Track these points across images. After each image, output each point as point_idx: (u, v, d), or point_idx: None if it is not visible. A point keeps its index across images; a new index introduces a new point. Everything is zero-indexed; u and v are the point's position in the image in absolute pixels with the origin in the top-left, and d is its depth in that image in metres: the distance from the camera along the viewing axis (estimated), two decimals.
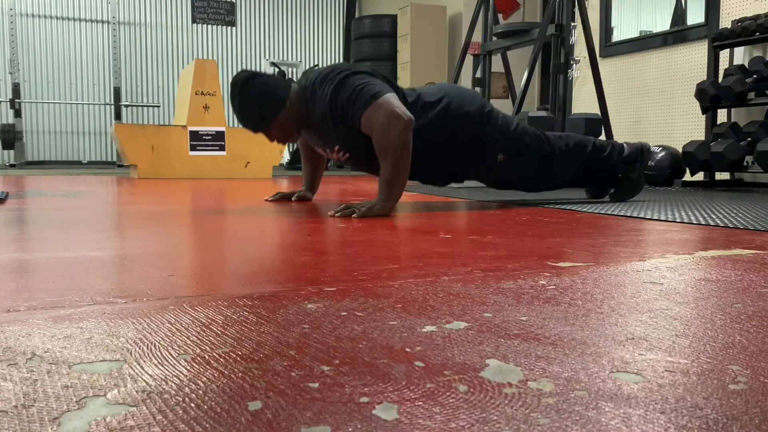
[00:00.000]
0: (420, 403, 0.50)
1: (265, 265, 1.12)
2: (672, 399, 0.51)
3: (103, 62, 8.31)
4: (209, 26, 8.76)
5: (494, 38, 5.13)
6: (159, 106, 8.51)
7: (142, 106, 8.25)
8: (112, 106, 8.07)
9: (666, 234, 1.62)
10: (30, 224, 1.73)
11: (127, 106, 8.17)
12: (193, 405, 0.49)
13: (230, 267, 1.11)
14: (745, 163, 3.76)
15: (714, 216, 2.05)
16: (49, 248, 1.29)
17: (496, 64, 5.51)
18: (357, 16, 8.59)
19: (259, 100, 2.17)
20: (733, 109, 4.11)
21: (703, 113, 4.03)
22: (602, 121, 4.24)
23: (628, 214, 2.09)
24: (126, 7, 8.39)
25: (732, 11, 4.23)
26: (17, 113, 7.48)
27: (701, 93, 3.88)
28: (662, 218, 1.97)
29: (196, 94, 4.91)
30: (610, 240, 1.49)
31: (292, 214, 2.07)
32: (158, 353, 0.62)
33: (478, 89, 5.40)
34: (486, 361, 0.60)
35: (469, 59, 5.54)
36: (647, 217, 2.02)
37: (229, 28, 8.84)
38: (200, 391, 0.52)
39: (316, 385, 0.54)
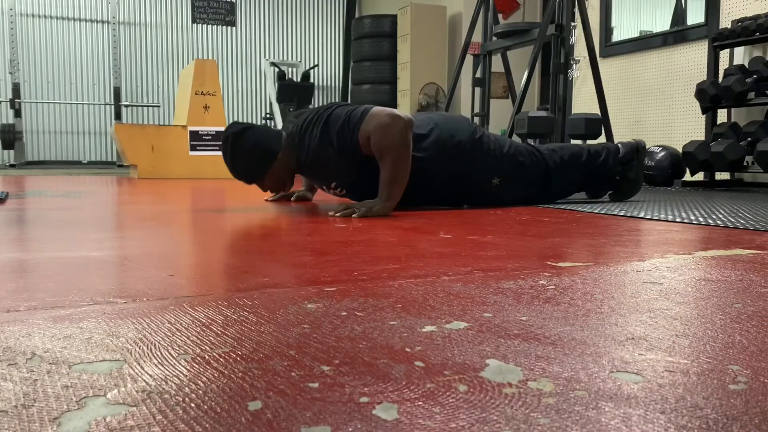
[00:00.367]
0: (420, 403, 0.50)
1: (265, 265, 1.12)
2: (672, 399, 0.51)
3: (103, 62, 8.31)
4: (209, 26, 8.75)
5: (494, 38, 5.13)
6: (159, 106, 8.50)
7: (142, 106, 8.25)
8: (112, 106, 8.08)
9: (666, 234, 1.62)
10: (30, 224, 1.73)
11: (127, 106, 8.17)
12: (193, 405, 0.49)
13: (230, 267, 1.11)
14: (745, 163, 3.76)
15: (714, 216, 2.05)
16: (49, 248, 1.29)
17: (496, 64, 5.50)
18: (357, 16, 8.59)
19: (251, 154, 2.18)
20: (733, 109, 4.11)
21: (703, 113, 4.03)
22: (602, 121, 4.24)
23: (628, 214, 2.09)
24: (126, 7, 8.39)
25: (732, 11, 4.23)
26: (17, 113, 7.48)
27: (701, 93, 3.88)
28: (662, 218, 1.97)
29: (196, 94, 4.91)
30: (610, 240, 1.49)
31: (292, 214, 2.07)
32: (158, 353, 0.62)
33: (477, 90, 5.40)
34: (486, 361, 0.60)
35: (469, 59, 5.54)
36: (647, 217, 2.02)
37: (229, 28, 8.84)
38: (200, 391, 0.52)
39: (316, 385, 0.54)
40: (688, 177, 4.19)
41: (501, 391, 0.53)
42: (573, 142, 4.06)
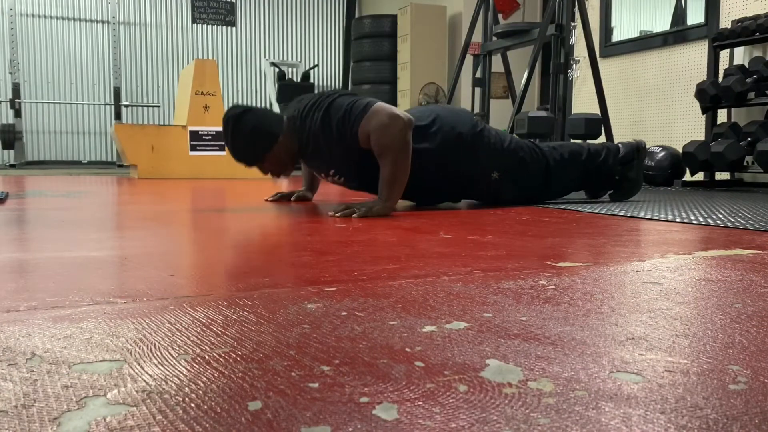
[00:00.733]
0: (420, 403, 0.50)
1: (265, 265, 1.12)
2: (672, 399, 0.51)
3: (103, 62, 8.31)
4: (209, 26, 8.75)
5: (494, 38, 5.13)
6: (159, 106, 8.50)
7: (142, 106, 8.25)
8: (112, 106, 8.08)
9: (666, 234, 1.62)
10: (30, 224, 1.73)
11: (127, 106, 8.17)
12: (193, 405, 0.49)
13: (230, 267, 1.11)
14: (745, 163, 3.76)
15: (714, 216, 2.05)
16: (49, 248, 1.29)
17: (496, 64, 5.50)
18: (357, 16, 8.59)
19: (251, 136, 2.18)
20: (733, 109, 4.11)
21: (703, 113, 4.02)
22: (602, 121, 4.24)
23: (628, 214, 2.09)
24: (126, 7, 8.39)
25: (732, 11, 4.23)
26: (17, 113, 7.48)
27: (701, 93, 3.88)
28: (662, 218, 1.97)
29: (196, 94, 4.91)
30: (610, 240, 1.49)
31: (292, 214, 2.07)
32: (158, 353, 0.62)
33: (477, 90, 5.40)
34: (486, 361, 0.60)
35: (469, 59, 5.54)
36: (647, 217, 2.02)
37: (229, 28, 8.84)
38: (200, 391, 0.52)
39: (316, 385, 0.54)
40: (688, 177, 4.19)
41: (501, 391, 0.53)
42: (573, 141, 4.05)
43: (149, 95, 8.55)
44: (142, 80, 8.51)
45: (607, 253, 1.29)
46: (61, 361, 0.59)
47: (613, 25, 5.24)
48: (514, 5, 5.34)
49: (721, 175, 4.20)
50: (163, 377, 0.55)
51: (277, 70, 8.27)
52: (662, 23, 4.90)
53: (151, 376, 0.56)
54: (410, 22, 6.79)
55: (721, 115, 4.22)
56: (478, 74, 5.36)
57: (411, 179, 2.11)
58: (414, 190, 2.25)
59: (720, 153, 3.60)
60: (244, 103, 9.01)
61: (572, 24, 4.32)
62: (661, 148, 4.26)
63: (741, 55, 4.17)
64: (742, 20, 3.91)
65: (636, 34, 5.06)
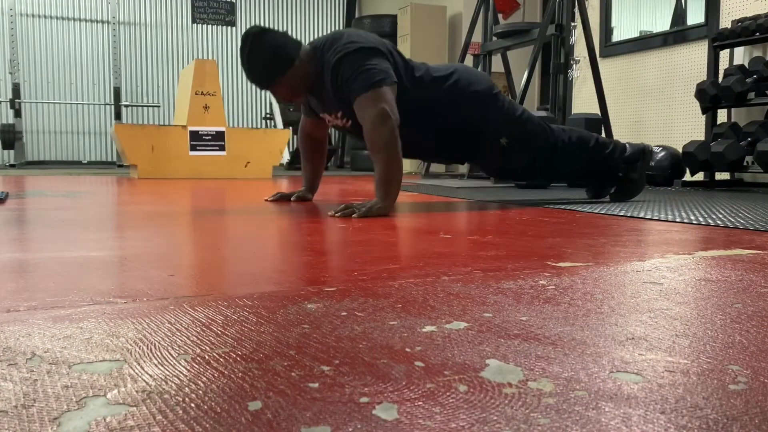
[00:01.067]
0: (420, 403, 0.50)
1: (265, 265, 1.12)
2: (672, 399, 0.51)
3: (103, 62, 8.31)
4: (209, 26, 8.76)
5: (494, 38, 5.13)
6: (159, 106, 8.51)
7: (142, 106, 8.25)
8: (112, 106, 8.08)
9: (666, 234, 1.62)
10: (30, 224, 1.73)
11: (127, 106, 8.17)
12: (193, 405, 0.49)
13: (230, 267, 1.11)
14: (745, 163, 3.76)
15: (714, 216, 2.05)
16: (49, 248, 1.29)
17: (496, 64, 5.50)
18: (357, 16, 8.59)
19: (268, 55, 2.17)
20: (733, 109, 4.11)
21: (703, 113, 4.03)
22: (602, 121, 4.24)
23: (628, 214, 2.09)
24: (126, 7, 8.39)
25: (732, 11, 4.23)
26: (17, 113, 7.48)
27: (701, 93, 3.88)
28: (662, 218, 1.97)
29: (196, 94, 4.91)
30: (610, 240, 1.49)
31: (292, 214, 2.07)
32: (158, 353, 0.62)
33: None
34: (486, 361, 0.60)
35: (469, 59, 5.54)
36: (647, 217, 2.02)
37: (229, 28, 8.84)
38: (200, 391, 0.52)
39: (316, 385, 0.54)
40: (688, 177, 4.19)
41: (501, 391, 0.53)
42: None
43: (149, 95, 8.55)
44: (142, 80, 8.52)
45: (607, 253, 1.29)
46: (61, 361, 0.59)
47: (613, 25, 5.24)
48: (514, 5, 5.34)
49: (721, 175, 4.20)
50: (163, 377, 0.55)
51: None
52: (662, 23, 4.90)
53: (151, 376, 0.56)
54: (410, 22, 6.79)
55: (721, 115, 4.22)
56: None
57: (420, 134, 2.13)
58: (422, 146, 2.27)
59: (720, 153, 3.60)
60: (245, 105, 9.03)
61: (572, 24, 4.32)
62: (661, 148, 4.26)
63: (741, 55, 4.17)
64: (742, 20, 3.91)
65: (636, 34, 5.06)
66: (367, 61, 2.10)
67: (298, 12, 9.19)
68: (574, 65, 4.40)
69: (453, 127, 2.32)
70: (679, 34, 4.63)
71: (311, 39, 9.19)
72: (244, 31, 2.26)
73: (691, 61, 4.55)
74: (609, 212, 2.16)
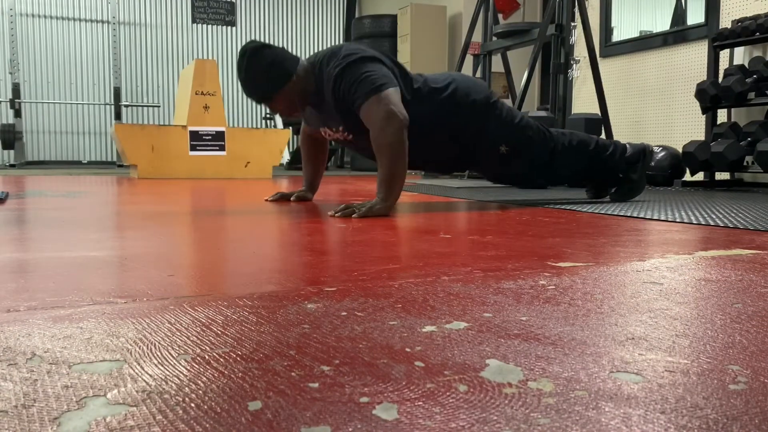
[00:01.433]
0: (420, 403, 0.50)
1: (265, 265, 1.12)
2: (672, 399, 0.51)
3: (103, 62, 8.31)
4: (209, 26, 8.75)
5: (494, 38, 5.13)
6: (159, 106, 8.50)
7: (142, 106, 8.25)
8: (112, 106, 8.07)
9: (666, 234, 1.62)
10: (30, 224, 1.73)
11: (127, 106, 8.17)
12: (193, 405, 0.49)
13: (230, 267, 1.11)
14: (745, 163, 3.76)
15: (714, 216, 2.05)
16: (49, 248, 1.29)
17: (496, 64, 5.50)
18: (357, 16, 8.59)
19: (266, 70, 2.17)
20: (733, 109, 4.11)
21: (703, 113, 4.03)
22: (602, 121, 4.24)
23: (628, 214, 2.09)
24: (126, 7, 8.39)
25: (732, 11, 4.23)
26: (17, 113, 7.48)
27: (701, 93, 3.88)
28: (662, 218, 1.97)
29: (196, 94, 4.91)
30: (610, 240, 1.49)
31: (292, 214, 2.07)
32: (158, 353, 0.62)
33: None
34: (486, 361, 0.60)
35: (469, 59, 5.54)
36: (647, 217, 2.02)
37: (229, 28, 8.84)
38: (200, 391, 0.52)
39: (316, 385, 0.54)
40: (688, 177, 4.19)
41: (501, 391, 0.53)
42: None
43: (149, 95, 8.55)
44: (142, 80, 8.51)
45: (607, 253, 1.29)
46: (61, 361, 0.59)
47: (613, 25, 5.24)
48: (514, 5, 5.34)
49: (721, 175, 4.20)
50: (163, 377, 0.55)
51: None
52: (662, 23, 4.90)
53: (151, 376, 0.56)
54: (410, 22, 6.79)
55: (721, 115, 4.22)
56: (478, 74, 5.36)
57: (420, 143, 2.13)
58: (422, 156, 2.27)
59: (720, 153, 3.60)
60: (245, 106, 9.03)
61: (572, 24, 4.32)
62: (661, 148, 4.26)
63: (741, 55, 4.17)
64: (742, 20, 3.91)
65: (636, 34, 5.06)
66: (368, 69, 2.11)
67: (298, 12, 9.19)
68: (574, 65, 4.40)
69: (453, 137, 2.32)
70: (679, 34, 4.63)
71: (311, 39, 9.20)
72: (242, 45, 2.26)
73: (691, 61, 4.55)
74: (609, 212, 2.16)
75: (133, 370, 0.57)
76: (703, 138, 4.19)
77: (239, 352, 0.62)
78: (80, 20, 8.24)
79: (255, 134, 5.20)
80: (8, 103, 7.50)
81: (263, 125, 8.80)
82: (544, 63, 5.85)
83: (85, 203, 2.44)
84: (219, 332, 0.69)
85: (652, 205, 2.46)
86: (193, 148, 4.92)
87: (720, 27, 4.24)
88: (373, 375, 0.56)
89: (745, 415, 0.48)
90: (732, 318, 0.78)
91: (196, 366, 0.58)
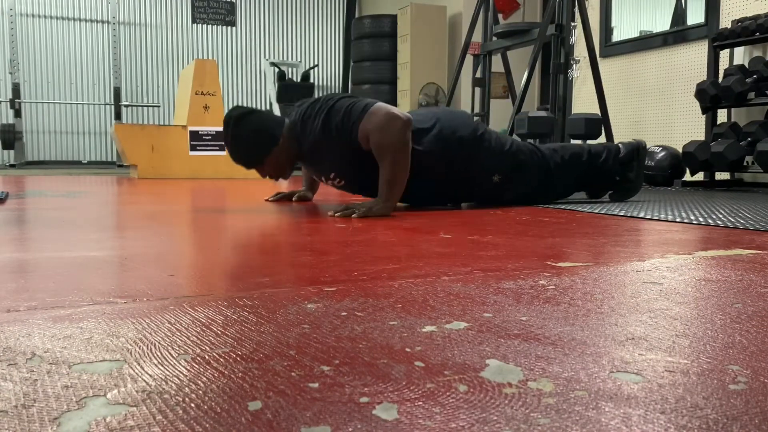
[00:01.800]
0: (420, 403, 0.50)
1: (265, 265, 1.12)
2: (672, 399, 0.51)
3: (103, 62, 8.31)
4: (209, 26, 8.75)
5: (494, 38, 5.13)
6: (159, 106, 8.50)
7: (142, 106, 8.25)
8: (112, 106, 8.07)
9: (666, 234, 1.62)
10: (30, 224, 1.73)
11: (127, 106, 8.16)
12: (193, 405, 0.49)
13: (230, 267, 1.11)
14: (745, 163, 3.76)
15: (714, 216, 2.05)
16: (49, 248, 1.29)
17: (496, 64, 5.50)
18: (357, 16, 8.59)
19: (252, 137, 2.18)
20: (733, 109, 4.11)
21: (703, 113, 4.03)
22: (602, 121, 4.23)
23: (628, 214, 2.09)
24: (126, 7, 8.39)
25: (732, 11, 4.23)
26: (17, 113, 7.47)
27: (701, 93, 3.88)
28: (662, 218, 1.97)
29: (196, 94, 4.91)
30: (610, 240, 1.49)
31: (292, 214, 2.07)
32: (158, 353, 0.62)
33: (477, 90, 5.40)
34: (486, 361, 0.60)
35: (469, 59, 5.53)
36: (647, 217, 2.02)
37: (229, 28, 8.83)
38: (200, 391, 0.52)
39: (316, 385, 0.54)
40: (688, 177, 4.19)
41: (501, 391, 0.53)
42: (573, 142, 4.06)
43: (149, 95, 8.55)
44: (142, 80, 8.51)
45: (607, 253, 1.29)
46: (61, 361, 0.59)
47: (613, 25, 5.24)
48: (514, 5, 5.34)
49: (721, 175, 4.20)
50: (163, 377, 0.55)
51: (277, 70, 8.27)
52: (662, 23, 4.90)
53: (151, 376, 0.56)
54: (410, 22, 6.79)
55: (721, 115, 4.22)
56: (478, 74, 5.36)
57: (412, 182, 2.12)
58: (415, 193, 2.25)
59: (720, 153, 3.60)
60: (245, 104, 9.02)
61: (572, 24, 4.31)
62: (661, 148, 4.26)
63: (741, 55, 4.17)
64: (742, 20, 3.91)
65: (636, 34, 5.06)
66: (351, 100, 2.13)
67: (298, 12, 9.18)
68: (574, 65, 4.40)
69: (443, 174, 2.29)
70: (679, 34, 4.63)
71: (311, 39, 9.20)
72: (225, 113, 2.27)
73: (691, 61, 4.55)
74: (609, 212, 2.16)
75: (133, 370, 0.57)
76: (703, 138, 4.19)
77: (239, 352, 0.62)
78: (80, 20, 8.24)
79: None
80: (8, 103, 7.49)
81: None
82: (544, 63, 5.84)
83: (85, 203, 2.44)
84: (219, 332, 0.69)
85: (652, 205, 2.46)
86: (193, 148, 4.92)
87: (720, 27, 4.24)
88: (373, 375, 0.56)
89: (745, 415, 0.48)
90: (732, 318, 0.78)
91: (196, 366, 0.58)
